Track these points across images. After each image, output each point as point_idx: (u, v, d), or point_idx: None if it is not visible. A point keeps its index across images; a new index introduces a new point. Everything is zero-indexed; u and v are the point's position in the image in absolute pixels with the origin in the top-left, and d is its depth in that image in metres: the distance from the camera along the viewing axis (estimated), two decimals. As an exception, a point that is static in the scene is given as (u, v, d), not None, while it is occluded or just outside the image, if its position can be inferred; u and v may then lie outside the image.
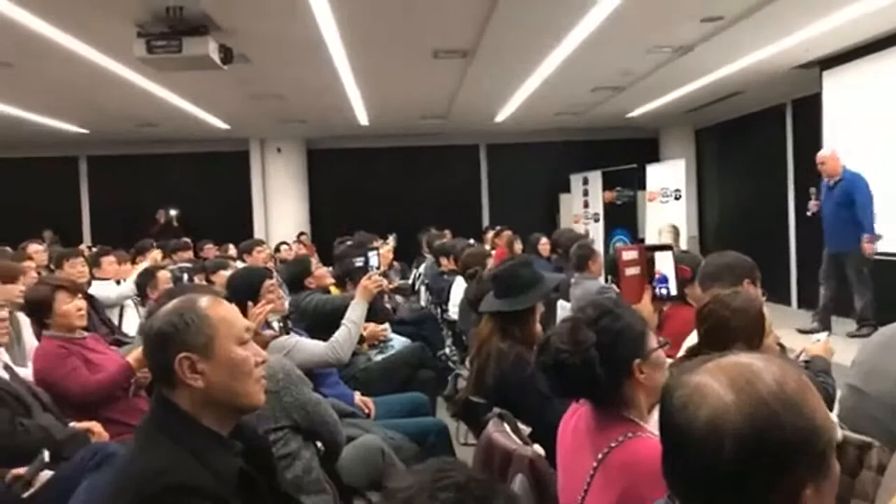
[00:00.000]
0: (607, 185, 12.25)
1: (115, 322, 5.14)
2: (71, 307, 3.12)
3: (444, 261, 6.00)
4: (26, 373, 3.08)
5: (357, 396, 3.40)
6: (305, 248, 10.03)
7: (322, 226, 12.95)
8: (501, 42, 6.76)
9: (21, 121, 10.00)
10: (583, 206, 12.94)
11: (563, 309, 4.66)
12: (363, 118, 10.92)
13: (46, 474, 2.29)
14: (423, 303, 7.16)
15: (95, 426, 2.81)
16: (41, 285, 3.24)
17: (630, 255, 2.94)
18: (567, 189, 13.28)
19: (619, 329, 1.69)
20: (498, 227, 9.17)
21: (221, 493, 1.47)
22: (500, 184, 13.86)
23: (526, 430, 2.40)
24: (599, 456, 1.61)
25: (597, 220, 12.49)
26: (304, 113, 10.72)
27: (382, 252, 4.09)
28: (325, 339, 3.47)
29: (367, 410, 3.32)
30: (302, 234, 11.89)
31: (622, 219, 12.01)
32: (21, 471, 2.28)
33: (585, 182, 12.85)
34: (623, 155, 12.14)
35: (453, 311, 4.99)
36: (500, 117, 11.19)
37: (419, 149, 13.41)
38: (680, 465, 1.00)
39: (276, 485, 1.75)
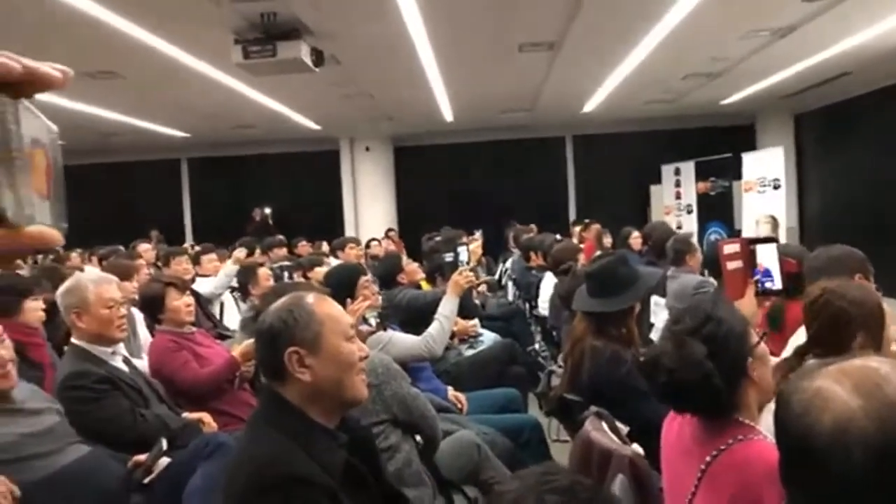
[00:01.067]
0: (700, 176, 11.83)
1: (217, 317, 5.40)
2: (180, 303, 3.30)
3: (532, 256, 5.96)
4: (142, 365, 3.28)
5: (450, 391, 3.44)
6: (394, 245, 10.21)
7: (409, 222, 13.13)
8: (590, 32, 6.64)
9: (128, 127, 10.63)
10: (675, 197, 12.54)
11: (658, 304, 4.55)
12: (448, 114, 10.99)
13: (164, 461, 2.43)
14: (510, 298, 7.15)
15: (206, 416, 2.97)
16: (153, 282, 3.44)
17: (732, 248, 2.83)
18: (658, 180, 12.90)
19: (726, 333, 1.61)
20: (587, 221, 9.03)
21: (329, 485, 1.52)
22: (588, 176, 13.64)
23: (624, 429, 2.36)
24: (708, 459, 1.57)
25: (690, 212, 12.08)
26: (392, 111, 10.89)
27: (472, 248, 4.10)
28: (417, 334, 3.53)
29: (459, 406, 3.35)
30: (390, 230, 12.09)
31: (717, 210, 11.56)
32: (142, 458, 2.44)
33: (677, 173, 12.44)
34: (717, 143, 11.69)
35: (543, 308, 4.96)
36: (588, 108, 11.01)
37: (504, 143, 13.37)
38: (802, 473, 0.96)
39: (381, 477, 1.79)
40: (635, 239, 7.15)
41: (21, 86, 0.44)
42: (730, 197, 11.44)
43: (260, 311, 2.35)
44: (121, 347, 2.91)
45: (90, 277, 2.89)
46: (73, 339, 2.83)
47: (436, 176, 13.58)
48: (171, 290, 3.29)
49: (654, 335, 3.78)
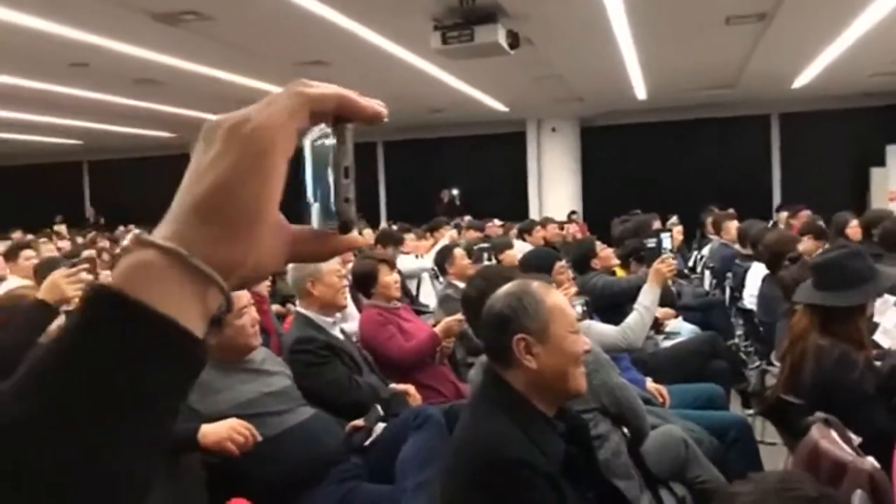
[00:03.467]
0: (935, 157, 10.41)
1: (413, 293, 5.66)
2: (390, 279, 3.50)
3: (738, 245, 5.59)
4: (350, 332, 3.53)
5: (649, 383, 3.33)
6: (577, 228, 10.06)
7: (594, 204, 12.87)
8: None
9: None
10: (901, 181, 11.16)
11: (886, 303, 4.07)
12: (641, 93, 10.57)
13: (380, 427, 2.60)
14: (706, 287, 6.77)
15: (411, 388, 3.13)
16: (367, 260, 3.67)
17: None
18: (881, 162, 11.52)
19: None
20: (799, 206, 8.26)
21: (551, 471, 1.54)
22: (795, 157, 12.50)
23: (856, 439, 2.15)
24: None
25: (919, 198, 10.70)
26: (582, 91, 10.69)
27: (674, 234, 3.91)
28: (608, 320, 3.46)
29: (661, 399, 3.24)
30: (573, 212, 11.94)
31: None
32: (359, 422, 2.63)
33: (906, 154, 11.05)
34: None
35: (749, 300, 4.63)
36: (799, 83, 10.06)
37: (700, 122, 12.63)
38: None
39: (595, 466, 1.78)
40: (853, 228, 6.42)
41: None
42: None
43: (476, 293, 2.42)
44: (339, 318, 3.15)
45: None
46: (298, 308, 3.10)
47: (624, 157, 13.16)
48: (383, 267, 3.50)
49: (880, 337, 3.40)
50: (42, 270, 3.96)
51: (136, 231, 0.45)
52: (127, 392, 0.40)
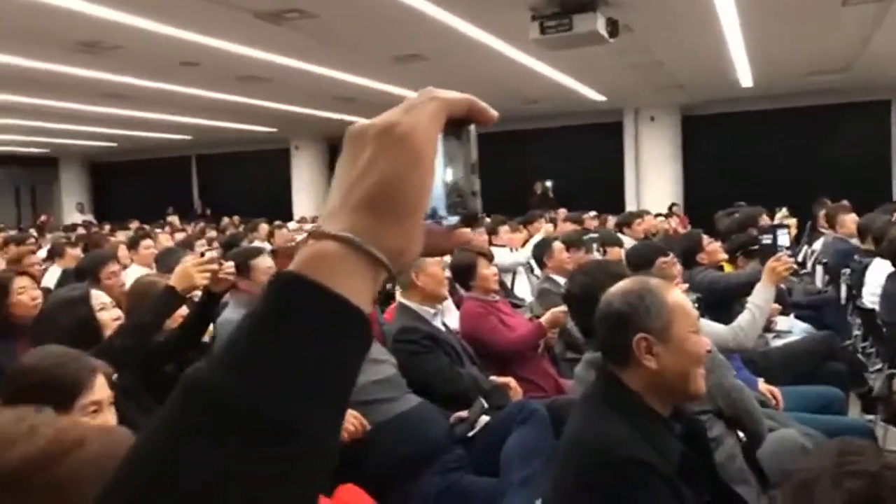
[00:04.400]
0: None
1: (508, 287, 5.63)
2: (489, 272, 3.50)
3: (855, 239, 5.24)
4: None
5: (761, 384, 3.18)
6: (678, 220, 9.74)
7: (695, 196, 12.42)
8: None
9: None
10: None
11: None
12: (747, 79, 10.10)
13: (484, 419, 2.61)
14: (818, 285, 6.40)
15: (512, 381, 3.12)
16: (466, 252, 3.68)
17: None
18: None
19: None
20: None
21: (668, 473, 1.49)
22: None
23: None
24: None
25: None
26: (683, 79, 10.33)
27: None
28: (714, 318, 3.32)
29: (774, 401, 3.09)
30: (674, 205, 11.56)
31: None
32: (463, 413, 2.65)
33: None
34: None
35: (869, 299, 4.34)
36: (924, 66, 9.35)
37: (810, 109, 11.94)
38: None
39: (713, 470, 1.72)
40: None
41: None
42: None
43: (580, 289, 2.39)
44: (439, 310, 3.18)
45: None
46: (401, 299, 3.15)
47: (727, 147, 12.63)
48: (482, 260, 3.50)
49: None
50: (162, 259, 4.21)
51: (309, 226, 0.48)
52: (320, 368, 0.45)
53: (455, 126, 0.54)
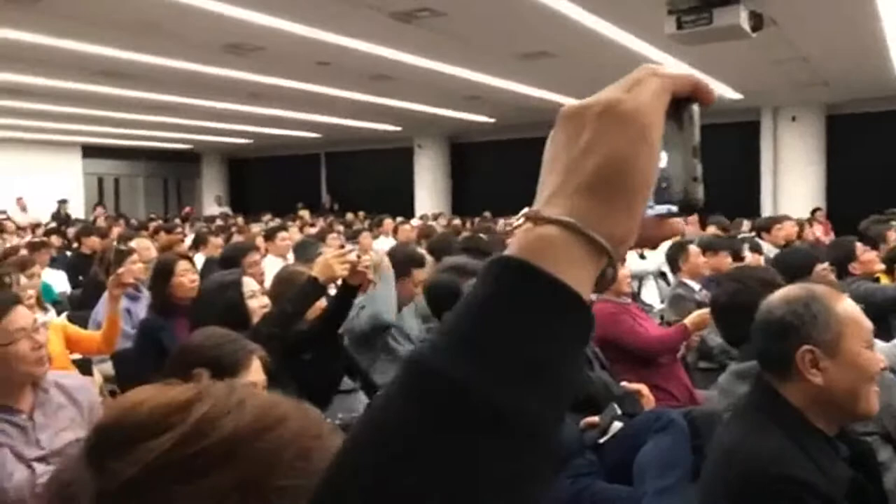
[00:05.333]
0: None
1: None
2: (624, 274, 3.40)
3: None
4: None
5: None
6: (820, 227, 9.08)
7: (840, 202, 11.54)
8: None
9: (552, 104, 11.37)
10: None
11: None
12: (905, 75, 9.28)
13: (617, 425, 2.53)
14: None
15: (644, 388, 3.00)
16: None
17: None
18: None
19: None
20: None
21: (833, 496, 1.38)
22: None
23: None
24: None
25: None
26: (829, 75, 9.63)
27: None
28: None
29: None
30: (817, 209, 10.78)
31: None
32: (595, 419, 2.58)
33: None
34: None
35: None
36: None
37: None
38: None
39: (884, 498, 1.57)
40: None
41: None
42: None
43: (727, 296, 2.26)
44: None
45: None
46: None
47: (877, 149, 11.63)
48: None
49: None
50: (300, 250, 4.40)
51: (526, 210, 0.47)
52: (546, 360, 0.43)
53: (674, 107, 0.51)
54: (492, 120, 13.64)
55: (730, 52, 7.31)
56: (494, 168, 15.79)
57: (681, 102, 0.51)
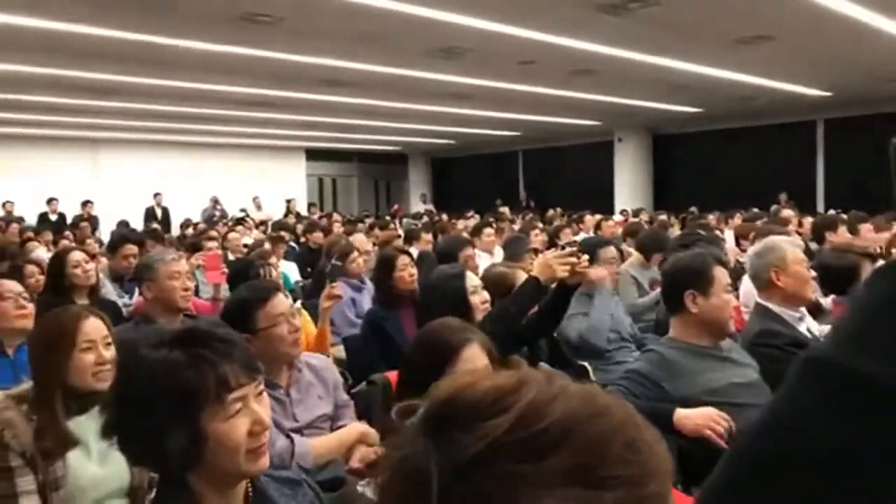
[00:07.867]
0: None
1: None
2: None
3: None
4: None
5: None
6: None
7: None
8: None
9: (765, 90, 10.52)
10: None
11: None
12: None
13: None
14: None
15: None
16: (849, 254, 3.29)
17: None
18: None
19: None
20: None
21: None
22: None
23: None
24: None
25: None
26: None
27: None
28: None
29: None
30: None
31: None
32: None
33: None
34: None
35: None
36: None
37: None
38: None
39: None
40: None
41: None
42: None
43: None
44: (803, 313, 2.88)
45: (787, 240, 2.97)
46: (758, 299, 2.91)
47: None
48: (865, 263, 3.09)
49: None
50: (510, 245, 4.51)
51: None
52: None
53: None
54: (699, 110, 12.93)
55: None
56: (700, 160, 14.97)
57: None
